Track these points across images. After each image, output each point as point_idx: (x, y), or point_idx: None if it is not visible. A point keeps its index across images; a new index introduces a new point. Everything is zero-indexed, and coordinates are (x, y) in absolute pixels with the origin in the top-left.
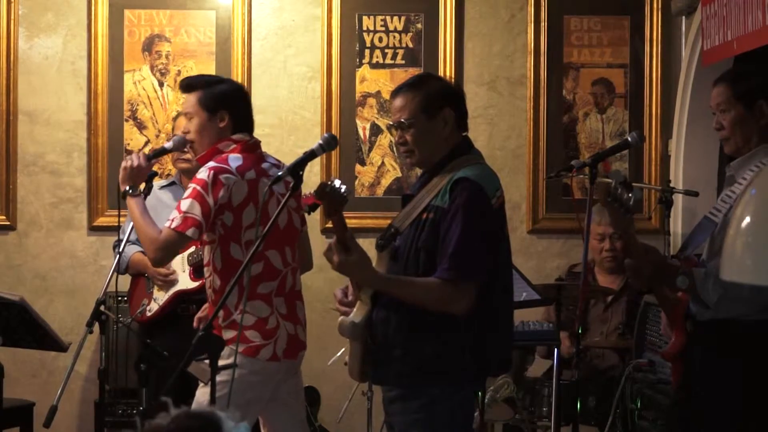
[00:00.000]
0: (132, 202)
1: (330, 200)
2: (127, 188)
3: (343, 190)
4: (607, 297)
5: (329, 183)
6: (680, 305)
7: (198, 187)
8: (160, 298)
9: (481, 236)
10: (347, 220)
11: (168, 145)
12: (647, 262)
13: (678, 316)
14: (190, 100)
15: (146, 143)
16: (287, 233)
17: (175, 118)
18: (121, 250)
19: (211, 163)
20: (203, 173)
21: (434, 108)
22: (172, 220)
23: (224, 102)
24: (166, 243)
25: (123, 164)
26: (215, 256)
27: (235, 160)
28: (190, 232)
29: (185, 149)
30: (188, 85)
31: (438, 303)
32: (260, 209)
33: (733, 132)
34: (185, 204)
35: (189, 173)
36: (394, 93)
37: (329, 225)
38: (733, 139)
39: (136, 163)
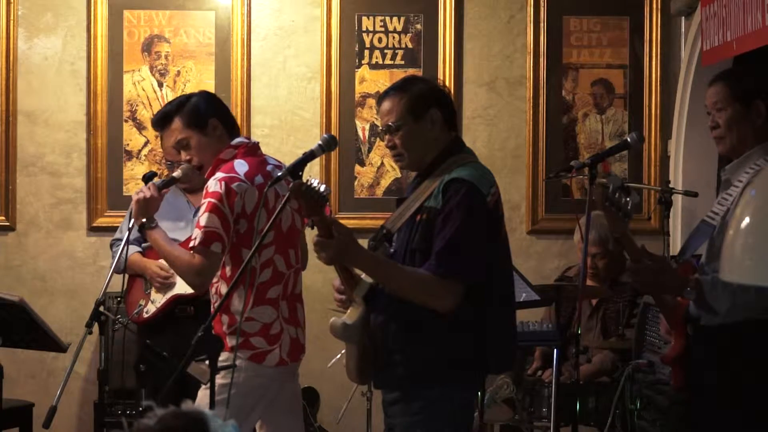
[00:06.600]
0: (155, 235)
1: (307, 200)
2: (144, 221)
3: (322, 189)
4: (592, 301)
5: (305, 182)
6: (679, 308)
7: (214, 200)
8: (158, 300)
9: (474, 236)
10: (346, 221)
11: (177, 174)
12: (647, 268)
13: (678, 319)
14: (175, 127)
15: (145, 144)
16: (290, 235)
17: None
18: (120, 250)
19: (220, 174)
20: (215, 186)
21: (420, 109)
22: (195, 239)
23: (208, 111)
24: (201, 266)
25: (135, 197)
26: (225, 262)
27: (240, 166)
28: (213, 246)
29: (195, 174)
30: (164, 116)
31: (422, 295)
32: (275, 215)
33: (729, 131)
34: (204, 219)
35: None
36: (381, 98)
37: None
38: (728, 138)
39: (148, 195)
